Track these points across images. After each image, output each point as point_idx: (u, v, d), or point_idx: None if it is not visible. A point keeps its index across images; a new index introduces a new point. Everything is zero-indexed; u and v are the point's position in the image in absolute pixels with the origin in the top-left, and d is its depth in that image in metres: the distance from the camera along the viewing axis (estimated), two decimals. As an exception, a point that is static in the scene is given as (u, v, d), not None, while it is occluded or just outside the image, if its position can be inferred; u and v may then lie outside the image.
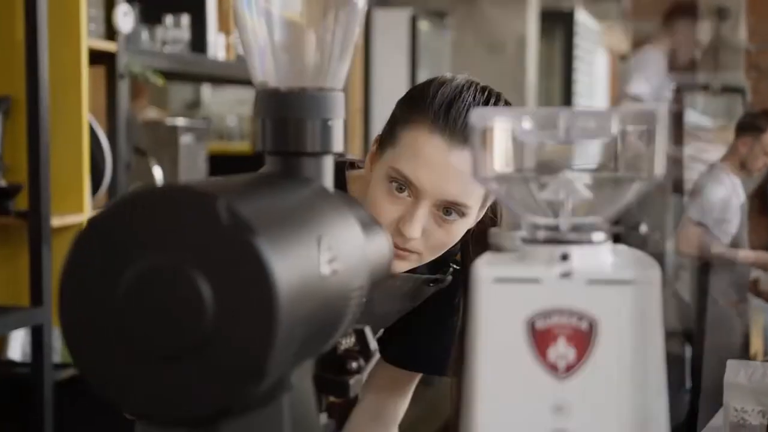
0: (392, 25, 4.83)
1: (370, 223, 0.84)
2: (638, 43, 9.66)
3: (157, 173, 2.82)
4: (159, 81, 2.68)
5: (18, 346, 2.55)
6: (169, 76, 3.07)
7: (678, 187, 4.85)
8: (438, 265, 1.38)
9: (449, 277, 1.40)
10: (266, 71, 0.81)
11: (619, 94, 4.40)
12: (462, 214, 1.23)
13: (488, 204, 1.30)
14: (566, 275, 0.67)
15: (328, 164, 0.81)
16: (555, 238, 0.69)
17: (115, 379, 0.62)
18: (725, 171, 4.31)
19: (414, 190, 1.22)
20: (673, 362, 3.95)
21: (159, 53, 2.86)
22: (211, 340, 0.60)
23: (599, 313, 0.66)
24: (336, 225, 0.72)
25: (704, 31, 4.44)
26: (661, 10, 10.14)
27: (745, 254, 4.26)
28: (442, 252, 1.28)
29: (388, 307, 1.42)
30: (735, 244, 4.23)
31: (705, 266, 4.19)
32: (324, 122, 0.79)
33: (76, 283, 0.62)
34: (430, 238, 1.24)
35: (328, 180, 0.80)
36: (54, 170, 2.33)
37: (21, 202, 2.30)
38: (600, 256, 0.68)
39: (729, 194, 4.20)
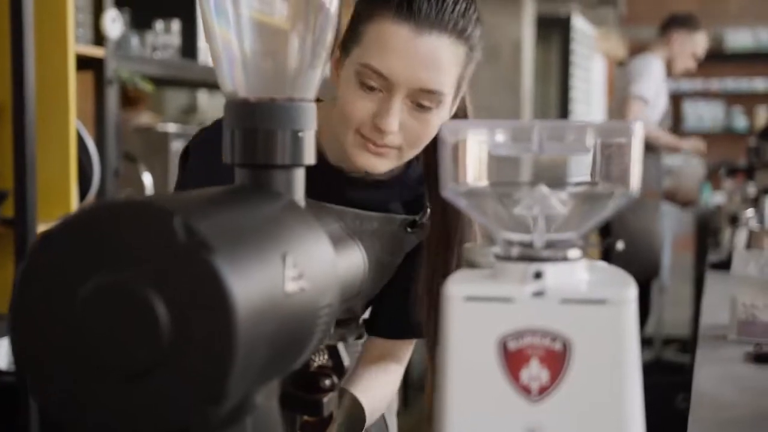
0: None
1: (342, 237, 0.82)
2: (634, 49, 9.67)
3: (147, 180, 2.80)
4: (148, 87, 2.66)
5: (4, 354, 2.52)
6: (162, 81, 3.05)
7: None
8: (413, 207, 1.38)
9: (426, 222, 1.37)
10: (235, 81, 0.79)
11: (620, 95, 4.40)
12: (437, 103, 1.21)
13: (461, 94, 1.29)
14: (539, 294, 0.64)
15: (299, 176, 0.78)
16: (529, 255, 0.66)
17: (70, 399, 0.59)
18: (657, 58, 4.39)
19: (385, 83, 1.20)
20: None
21: (148, 59, 2.84)
22: (168, 361, 0.57)
23: (573, 333, 0.64)
24: (304, 240, 0.70)
25: (701, 41, 4.44)
26: (657, 17, 10.14)
27: (668, 139, 4.43)
28: (420, 147, 1.26)
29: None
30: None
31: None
32: (294, 133, 0.77)
33: (30, 299, 0.60)
34: (408, 132, 1.22)
35: (299, 193, 0.78)
36: (41, 177, 2.31)
37: (7, 209, 2.28)
38: (575, 273, 0.66)
39: (662, 78, 4.33)
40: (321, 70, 0.81)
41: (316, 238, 0.72)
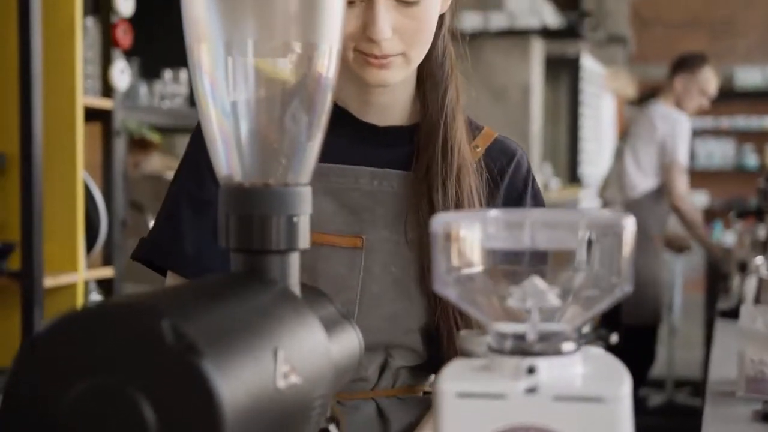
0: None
1: (336, 320, 0.82)
2: (644, 87, 9.70)
3: (154, 228, 2.80)
4: (155, 137, 2.67)
5: None
6: (171, 128, 3.07)
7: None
8: None
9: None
10: (231, 165, 0.79)
11: (664, 164, 4.36)
12: None
13: None
14: (532, 391, 0.64)
15: (294, 261, 0.78)
16: (521, 349, 0.66)
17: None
18: (684, 116, 4.39)
19: None
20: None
21: (156, 108, 2.85)
22: (157, 465, 0.57)
23: (567, 430, 0.63)
24: (296, 332, 0.69)
25: (707, 78, 4.45)
26: (666, 55, 10.17)
27: (701, 231, 4.56)
28: (425, 45, 1.17)
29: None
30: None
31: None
32: (289, 218, 0.77)
33: (18, 401, 0.60)
34: (404, 33, 1.14)
35: (294, 278, 0.78)
36: (48, 228, 2.31)
37: (13, 262, 2.28)
38: (569, 368, 0.66)
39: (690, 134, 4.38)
40: (317, 151, 0.81)
41: (309, 328, 0.72)
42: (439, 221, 0.67)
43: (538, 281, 0.67)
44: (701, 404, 1.93)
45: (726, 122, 9.87)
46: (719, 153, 9.97)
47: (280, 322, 0.69)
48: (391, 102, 1.25)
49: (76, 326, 0.59)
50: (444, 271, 0.67)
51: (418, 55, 1.17)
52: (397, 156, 1.24)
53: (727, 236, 6.42)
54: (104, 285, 2.62)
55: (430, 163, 1.20)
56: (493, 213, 0.69)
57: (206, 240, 1.17)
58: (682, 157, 4.26)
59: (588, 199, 7.41)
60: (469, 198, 1.18)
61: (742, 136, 9.89)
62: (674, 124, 4.35)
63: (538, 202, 1.27)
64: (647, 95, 9.86)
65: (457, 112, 1.23)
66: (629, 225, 0.65)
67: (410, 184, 1.21)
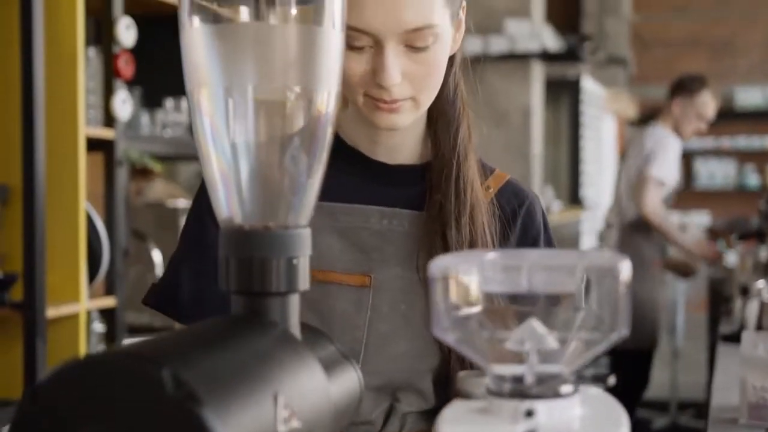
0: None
1: (336, 360, 0.82)
2: (644, 108, 9.73)
3: (157, 257, 2.81)
4: (156, 167, 2.69)
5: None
6: (172, 156, 3.08)
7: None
8: None
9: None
10: (231, 208, 0.79)
11: (634, 166, 4.40)
12: (433, 38, 1.12)
13: (460, 11, 1.20)
14: (530, 434, 0.64)
15: (294, 303, 0.79)
16: (520, 392, 0.66)
17: None
18: (673, 136, 4.39)
19: (370, 38, 1.10)
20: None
21: (158, 137, 2.87)
22: None
23: (566, 474, 0.63)
24: (296, 375, 0.70)
25: (705, 102, 4.46)
26: (667, 76, 10.21)
27: (676, 236, 4.45)
28: (435, 89, 1.15)
29: None
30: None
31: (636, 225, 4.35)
32: (289, 261, 0.78)
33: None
34: (414, 78, 1.13)
35: (294, 319, 0.78)
36: (50, 259, 2.32)
37: (16, 293, 2.29)
38: (567, 410, 0.66)
39: (678, 155, 4.34)
40: (316, 193, 0.82)
41: (309, 371, 0.72)
42: (437, 265, 0.68)
43: (536, 324, 0.68)
44: (705, 427, 1.92)
45: (727, 142, 9.90)
46: (721, 173, 9.99)
47: (280, 366, 0.69)
48: (401, 141, 1.25)
49: (77, 375, 0.59)
50: (442, 314, 0.68)
51: (428, 99, 1.17)
52: (407, 195, 1.24)
53: (729, 256, 6.42)
54: (106, 314, 2.62)
55: (443, 202, 1.19)
56: (491, 256, 0.69)
57: (206, 285, 1.16)
58: (656, 170, 4.23)
59: (589, 221, 7.42)
60: (483, 237, 1.18)
61: (744, 156, 9.92)
62: (659, 140, 4.35)
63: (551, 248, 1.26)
64: (648, 116, 9.89)
65: (469, 151, 1.22)
66: (625, 268, 0.66)
67: (421, 223, 1.20)
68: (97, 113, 2.55)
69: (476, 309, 0.70)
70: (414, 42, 1.11)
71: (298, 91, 0.78)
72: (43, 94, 2.30)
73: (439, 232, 1.18)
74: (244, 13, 0.82)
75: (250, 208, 0.79)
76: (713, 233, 9.79)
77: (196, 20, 0.76)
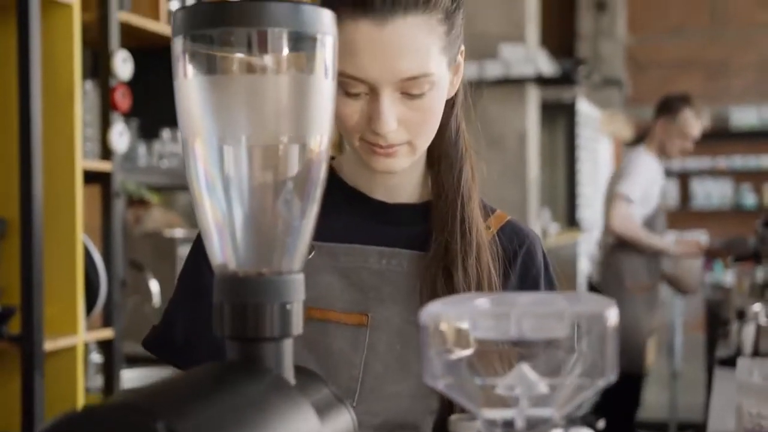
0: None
1: (330, 403, 0.83)
2: (640, 129, 9.76)
3: (154, 287, 2.82)
4: (153, 198, 2.70)
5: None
6: (169, 186, 3.10)
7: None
8: None
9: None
10: (225, 254, 0.80)
11: (609, 192, 4.43)
12: (429, 85, 1.12)
13: (457, 57, 1.19)
14: (521, 480, 0.65)
15: (288, 348, 0.80)
16: (511, 437, 0.67)
17: None
18: (648, 152, 4.39)
19: (366, 85, 1.11)
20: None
21: (155, 168, 2.88)
22: None
23: None
24: (290, 422, 0.71)
25: (688, 121, 4.43)
26: (663, 95, 10.25)
27: (652, 241, 4.32)
28: (431, 134, 1.16)
29: None
30: (649, 227, 4.36)
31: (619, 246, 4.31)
32: (283, 306, 0.79)
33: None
34: (410, 124, 1.13)
35: (288, 363, 0.79)
36: (48, 292, 2.33)
37: (14, 326, 2.29)
38: (557, 454, 0.67)
39: (653, 174, 4.31)
40: (310, 236, 0.83)
41: (302, 416, 0.73)
42: (429, 312, 0.69)
43: (526, 369, 0.69)
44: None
45: (723, 162, 9.93)
46: (717, 193, 10.01)
47: (273, 413, 0.70)
48: (400, 182, 1.25)
49: (74, 427, 0.60)
50: (433, 360, 0.69)
51: (424, 143, 1.17)
52: (408, 234, 1.24)
53: (726, 276, 6.42)
54: (104, 345, 2.63)
55: (449, 243, 1.19)
56: (481, 302, 0.71)
57: (201, 330, 1.17)
58: (623, 187, 4.21)
59: (587, 242, 7.43)
60: (489, 278, 1.18)
61: (740, 176, 9.95)
62: (633, 159, 4.36)
63: (552, 289, 1.27)
64: (642, 137, 9.93)
65: (473, 191, 1.23)
66: (612, 315, 0.67)
67: (422, 263, 1.20)
68: (94, 146, 2.57)
69: (467, 354, 0.71)
70: (410, 89, 1.12)
71: (291, 139, 0.80)
72: (41, 128, 2.32)
73: (444, 274, 1.18)
74: (237, 62, 0.84)
75: (244, 255, 0.80)
76: (710, 253, 9.82)
77: (190, 71, 0.78)
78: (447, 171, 1.24)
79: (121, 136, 2.58)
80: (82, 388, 2.45)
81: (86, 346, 2.53)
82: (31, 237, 2.28)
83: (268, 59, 0.77)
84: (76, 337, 2.41)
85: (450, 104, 1.22)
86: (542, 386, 0.68)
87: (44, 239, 2.33)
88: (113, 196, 2.56)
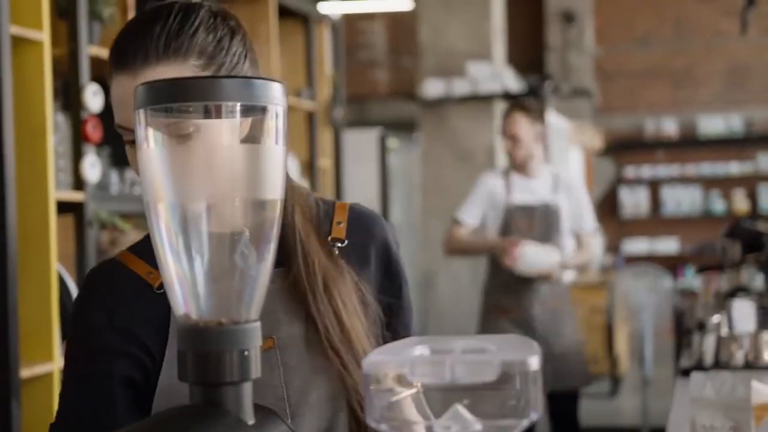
0: (363, 143, 4.96)
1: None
2: (609, 138, 9.89)
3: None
4: (126, 227, 2.76)
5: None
6: (142, 213, 3.16)
7: None
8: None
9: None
10: (187, 305, 0.87)
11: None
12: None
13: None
14: None
15: (247, 390, 0.87)
16: (447, 474, 0.75)
17: None
18: (490, 172, 4.23)
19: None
20: None
21: (128, 196, 2.94)
22: None
23: None
24: (248, 462, 0.78)
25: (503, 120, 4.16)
26: (631, 105, 10.36)
27: (472, 240, 4.03)
28: None
29: None
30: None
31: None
32: (241, 353, 0.86)
33: None
34: None
35: (247, 405, 0.86)
36: (23, 320, 2.38)
37: (-11, 355, 2.35)
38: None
39: (491, 192, 4.05)
40: (265, 287, 0.90)
41: (260, 457, 0.80)
42: (370, 362, 0.76)
43: (461, 409, 0.77)
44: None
45: (692, 169, 10.08)
46: (687, 200, 10.15)
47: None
48: None
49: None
50: (375, 405, 0.76)
51: None
52: None
53: (696, 282, 6.54)
54: (80, 371, 2.68)
55: (298, 279, 1.25)
56: (418, 351, 0.78)
57: (98, 405, 1.20)
58: (461, 212, 4.06)
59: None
60: (344, 303, 1.24)
61: (709, 183, 10.10)
62: (479, 181, 4.15)
63: (398, 272, 1.33)
64: (613, 146, 10.10)
65: (307, 227, 1.27)
66: (534, 361, 0.74)
67: (287, 279, 1.26)
68: (66, 177, 2.62)
69: (407, 399, 0.78)
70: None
71: (246, 199, 0.87)
72: (14, 160, 2.37)
73: (305, 299, 1.25)
74: (195, 132, 0.91)
75: (205, 306, 0.87)
76: (680, 260, 9.96)
77: (152, 141, 0.85)
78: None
79: (92, 167, 2.64)
80: (59, 414, 2.50)
81: (61, 372, 2.58)
82: (6, 267, 2.34)
83: (223, 129, 0.84)
84: (51, 364, 2.47)
85: None
86: (476, 425, 0.76)
87: (19, 269, 2.39)
88: (86, 225, 2.62)
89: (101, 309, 1.25)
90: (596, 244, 4.15)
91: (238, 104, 0.84)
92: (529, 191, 4.03)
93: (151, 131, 0.85)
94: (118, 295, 1.26)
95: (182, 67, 1.18)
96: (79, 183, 2.63)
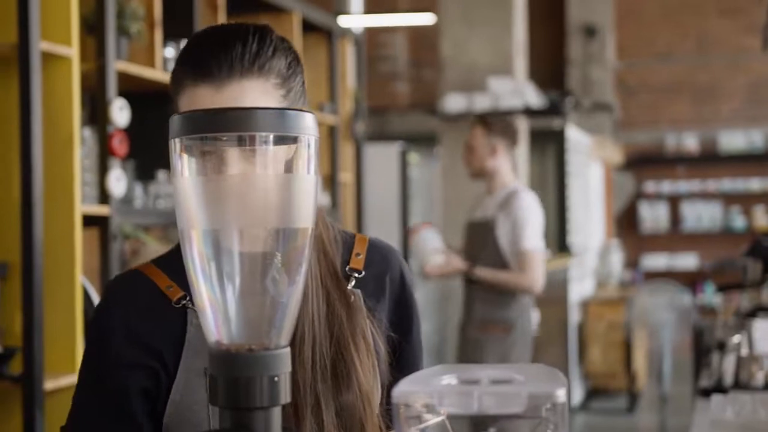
0: (384, 157, 4.98)
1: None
2: (630, 152, 9.87)
3: (151, 324, 2.89)
4: (150, 240, 2.79)
5: None
6: (165, 224, 3.19)
7: None
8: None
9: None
10: (219, 331, 0.89)
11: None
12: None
13: None
14: None
15: (276, 415, 0.88)
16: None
17: None
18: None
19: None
20: None
21: (151, 210, 2.97)
22: None
23: None
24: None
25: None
26: (652, 120, 10.34)
27: (483, 272, 3.91)
28: None
29: None
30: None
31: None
32: (271, 378, 0.88)
33: None
34: None
35: (276, 430, 0.88)
36: (48, 332, 2.41)
37: (15, 366, 2.37)
38: None
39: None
40: (295, 314, 0.91)
41: (289, 482, 0.82)
42: (400, 391, 0.78)
43: (486, 438, 0.78)
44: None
45: (713, 185, 10.04)
46: (707, 216, 10.11)
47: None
48: None
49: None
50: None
51: None
52: None
53: (716, 299, 6.51)
54: (103, 382, 2.71)
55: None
56: (446, 381, 0.79)
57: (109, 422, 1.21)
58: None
59: (577, 267, 7.52)
60: (311, 328, 1.24)
61: (729, 199, 10.06)
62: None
63: (410, 307, 1.34)
64: (633, 161, 10.08)
65: (327, 261, 1.28)
66: (561, 393, 0.75)
67: None
68: (92, 191, 2.65)
69: (433, 423, 0.79)
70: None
71: (278, 228, 0.89)
72: (42, 174, 2.40)
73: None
74: (228, 162, 0.93)
75: (236, 332, 0.89)
76: (700, 276, 9.92)
77: (186, 170, 0.87)
78: None
79: (118, 181, 2.67)
80: (81, 425, 2.53)
81: (85, 384, 2.60)
82: (32, 279, 2.37)
83: (256, 159, 0.86)
84: (75, 376, 2.49)
85: None
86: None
87: (44, 281, 2.41)
88: (111, 239, 2.65)
89: (119, 319, 1.26)
90: (537, 268, 3.85)
91: (272, 135, 0.86)
92: (483, 208, 4.05)
93: (186, 160, 0.87)
94: (136, 306, 1.27)
95: (265, 84, 1.21)
96: (104, 197, 2.66)
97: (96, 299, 2.59)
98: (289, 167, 0.88)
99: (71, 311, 2.48)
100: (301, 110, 0.88)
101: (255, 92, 1.19)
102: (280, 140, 0.87)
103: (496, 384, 0.79)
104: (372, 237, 1.38)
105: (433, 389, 0.78)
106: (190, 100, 1.20)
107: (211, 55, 1.19)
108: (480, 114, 4.43)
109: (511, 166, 4.04)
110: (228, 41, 1.20)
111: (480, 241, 3.98)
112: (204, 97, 1.19)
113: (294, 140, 0.87)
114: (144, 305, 1.27)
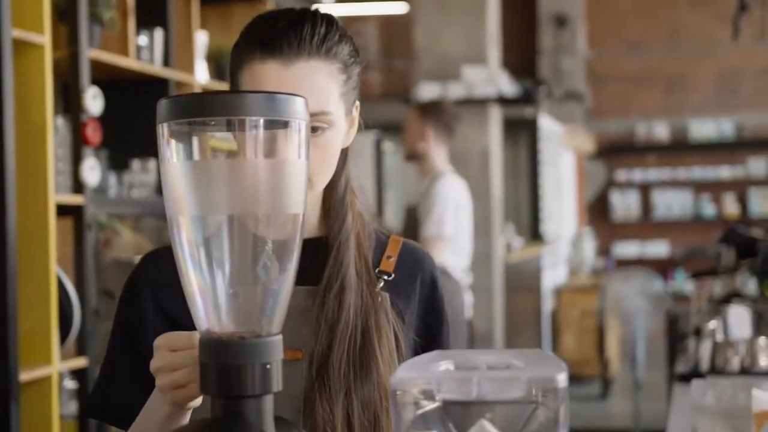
0: (358, 147, 4.93)
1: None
2: (602, 141, 9.91)
3: (126, 315, 2.86)
4: (124, 230, 2.75)
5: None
6: (139, 214, 3.16)
7: None
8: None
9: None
10: (209, 320, 0.88)
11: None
12: (327, 123, 1.20)
13: (354, 108, 1.27)
14: None
15: (269, 403, 0.87)
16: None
17: None
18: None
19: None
20: None
21: (126, 199, 2.93)
22: None
23: None
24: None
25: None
26: (623, 109, 10.39)
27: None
28: (329, 172, 1.23)
29: None
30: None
31: None
32: (263, 366, 0.86)
33: None
34: (310, 160, 1.17)
35: (268, 418, 0.87)
36: (23, 324, 2.38)
37: (-11, 359, 2.34)
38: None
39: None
40: (287, 301, 0.90)
41: (283, 471, 0.80)
42: (397, 378, 0.77)
43: (486, 424, 0.77)
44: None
45: (683, 173, 10.11)
46: (678, 204, 10.18)
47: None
48: None
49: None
50: (401, 421, 0.77)
51: (322, 182, 1.24)
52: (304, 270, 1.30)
53: (688, 286, 6.55)
54: (78, 374, 2.68)
55: (321, 280, 1.25)
56: (443, 367, 0.78)
57: (139, 392, 1.18)
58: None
59: (550, 255, 7.54)
60: (346, 317, 1.23)
61: (699, 187, 10.13)
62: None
63: (440, 311, 1.34)
64: (604, 150, 10.13)
65: (350, 234, 1.28)
66: (562, 378, 0.75)
67: (316, 295, 1.26)
68: (66, 180, 2.62)
69: (433, 414, 0.78)
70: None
71: (268, 213, 0.87)
72: (14, 163, 2.37)
73: (333, 304, 1.24)
74: (217, 147, 0.91)
75: (227, 320, 0.87)
76: (671, 263, 9.99)
77: (174, 155, 0.85)
78: (334, 221, 1.28)
79: (92, 170, 2.64)
80: (57, 417, 2.50)
81: (60, 375, 2.58)
82: (6, 269, 2.33)
83: (245, 144, 0.84)
84: (50, 367, 2.46)
85: (343, 156, 1.28)
86: (500, 441, 0.76)
87: (18, 272, 2.38)
88: (85, 228, 2.61)
89: (147, 291, 1.26)
90: (436, 256, 3.77)
91: (261, 119, 0.84)
92: (417, 194, 4.10)
93: (173, 145, 0.85)
94: (164, 278, 1.23)
95: (330, 67, 1.22)
96: (78, 186, 2.63)
97: (71, 289, 2.56)
98: (279, 152, 0.86)
99: (46, 302, 2.45)
100: (291, 94, 0.86)
101: (321, 73, 1.21)
102: (269, 125, 0.85)
103: (495, 369, 0.78)
104: (406, 240, 1.37)
105: (431, 375, 0.76)
106: (255, 76, 1.20)
107: (282, 31, 1.20)
108: (425, 101, 4.43)
109: (444, 153, 4.08)
110: (297, 21, 1.21)
111: (409, 227, 4.02)
112: (271, 72, 1.19)
113: (284, 125, 0.86)
114: (171, 279, 1.25)
